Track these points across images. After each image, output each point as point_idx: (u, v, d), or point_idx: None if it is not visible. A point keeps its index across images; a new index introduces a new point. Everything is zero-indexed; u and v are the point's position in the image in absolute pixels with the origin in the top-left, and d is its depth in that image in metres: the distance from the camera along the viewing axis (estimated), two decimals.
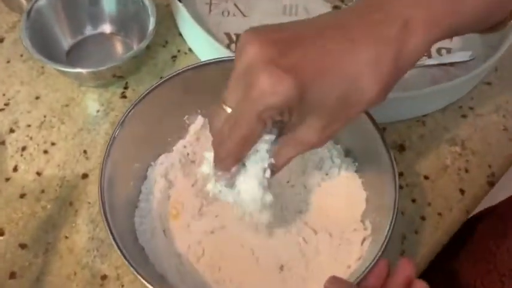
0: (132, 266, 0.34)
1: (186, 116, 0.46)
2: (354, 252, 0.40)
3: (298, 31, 0.30)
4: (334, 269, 0.39)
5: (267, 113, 0.29)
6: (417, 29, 0.30)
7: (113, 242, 0.35)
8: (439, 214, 0.47)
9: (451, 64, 0.57)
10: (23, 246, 0.43)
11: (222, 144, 0.31)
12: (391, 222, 0.36)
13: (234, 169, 0.33)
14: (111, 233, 0.35)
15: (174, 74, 0.43)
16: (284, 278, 0.40)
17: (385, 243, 0.35)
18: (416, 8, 0.30)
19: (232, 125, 0.30)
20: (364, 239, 0.40)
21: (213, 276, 0.40)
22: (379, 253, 0.35)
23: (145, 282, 0.33)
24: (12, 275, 0.41)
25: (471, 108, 0.55)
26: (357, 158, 0.45)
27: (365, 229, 0.41)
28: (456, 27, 0.31)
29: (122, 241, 0.36)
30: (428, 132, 0.53)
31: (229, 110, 0.31)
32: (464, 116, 0.54)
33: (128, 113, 0.41)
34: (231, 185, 0.34)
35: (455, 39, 0.59)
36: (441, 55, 0.58)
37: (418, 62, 0.54)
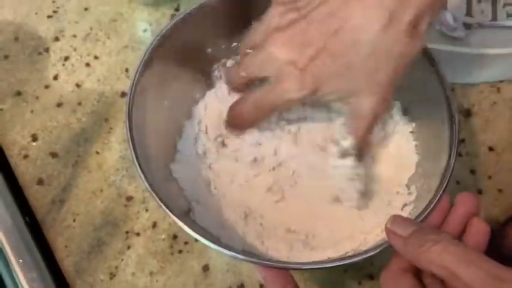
0: (150, 187, 0.31)
1: (234, 44, 0.42)
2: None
3: (312, 18, 0.32)
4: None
5: (286, 104, 0.35)
6: None
7: (134, 160, 0.32)
8: (500, 190, 0.42)
9: None
10: (53, 155, 0.42)
11: (239, 116, 0.37)
12: (438, 188, 0.32)
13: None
14: (134, 151, 0.33)
15: None
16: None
17: (429, 210, 0.31)
18: None
19: (255, 104, 0.35)
20: (405, 204, 0.36)
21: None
22: (421, 217, 0.31)
23: (164, 208, 0.31)
24: (40, 181, 0.41)
25: None
26: (415, 119, 0.40)
27: (409, 194, 0.37)
28: None
29: (147, 164, 0.33)
30: (502, 100, 0.47)
31: (243, 74, 0.36)
32: None
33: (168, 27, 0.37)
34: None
35: None
36: None
37: (504, 22, 0.49)
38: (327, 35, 0.31)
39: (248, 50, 0.36)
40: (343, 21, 0.31)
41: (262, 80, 0.36)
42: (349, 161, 0.35)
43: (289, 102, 0.34)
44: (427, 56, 0.37)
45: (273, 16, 0.34)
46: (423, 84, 0.38)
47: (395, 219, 0.30)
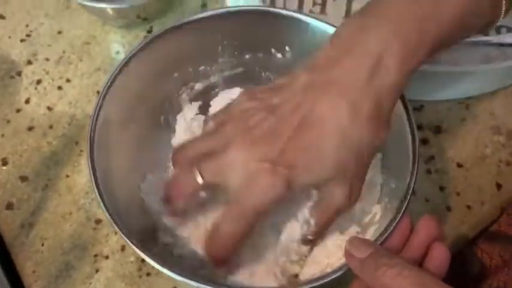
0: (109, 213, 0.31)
1: (202, 67, 0.43)
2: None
3: (277, 112, 0.31)
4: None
5: (266, 207, 0.30)
6: (390, 67, 0.30)
7: (94, 187, 0.32)
8: (468, 207, 0.43)
9: (510, 45, 0.51)
10: (23, 178, 0.42)
11: (219, 242, 0.32)
12: (398, 209, 0.32)
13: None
14: (95, 178, 0.33)
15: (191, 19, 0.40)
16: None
17: (388, 232, 0.31)
18: (391, 42, 0.30)
19: (230, 221, 0.31)
20: (369, 224, 0.36)
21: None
22: (381, 239, 0.31)
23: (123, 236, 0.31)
24: (9, 205, 0.41)
25: None
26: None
27: (374, 214, 0.37)
28: (437, 46, 0.31)
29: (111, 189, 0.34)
30: (470, 117, 0.47)
31: (201, 181, 0.31)
32: None
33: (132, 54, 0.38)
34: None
35: None
36: (500, 33, 0.52)
37: (474, 38, 0.50)
38: (295, 126, 0.30)
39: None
40: (309, 113, 0.30)
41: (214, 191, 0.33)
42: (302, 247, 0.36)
43: (268, 204, 0.30)
44: None
45: (238, 113, 0.33)
46: None
47: (353, 241, 0.30)
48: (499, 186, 0.43)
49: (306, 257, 0.36)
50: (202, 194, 0.33)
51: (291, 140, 0.30)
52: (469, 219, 0.42)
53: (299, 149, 0.30)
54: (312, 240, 0.35)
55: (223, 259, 0.32)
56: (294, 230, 0.36)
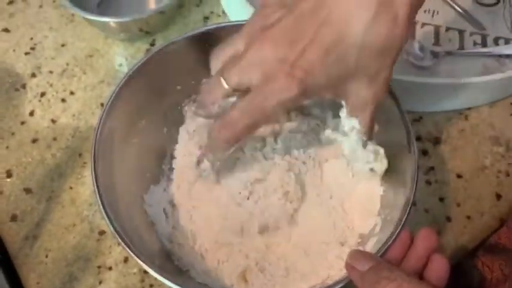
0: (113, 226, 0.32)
1: (204, 80, 0.43)
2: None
3: (299, 11, 0.30)
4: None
5: (281, 107, 0.31)
6: None
7: (98, 198, 0.33)
8: (468, 217, 0.43)
9: (508, 56, 0.51)
10: (27, 191, 0.43)
11: (230, 126, 0.32)
12: (398, 222, 0.33)
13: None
14: (98, 189, 0.33)
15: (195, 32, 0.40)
16: None
17: (388, 244, 0.32)
18: None
19: (245, 111, 0.31)
20: (370, 236, 0.37)
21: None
22: (381, 251, 0.32)
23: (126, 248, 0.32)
24: (14, 218, 0.41)
25: None
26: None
27: (374, 225, 0.37)
28: None
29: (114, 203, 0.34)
30: (469, 128, 0.48)
31: (226, 87, 0.32)
32: None
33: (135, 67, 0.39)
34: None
35: None
36: (498, 45, 0.52)
37: (471, 50, 0.50)
38: (316, 27, 0.29)
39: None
40: (331, 12, 0.29)
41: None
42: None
43: (281, 105, 0.31)
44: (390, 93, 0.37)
45: (258, 16, 0.32)
46: (387, 120, 0.38)
47: (354, 254, 0.31)
48: (498, 196, 0.44)
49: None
50: (232, 99, 0.33)
51: (311, 42, 0.30)
52: (469, 230, 0.42)
53: (318, 52, 0.30)
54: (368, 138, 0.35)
55: (225, 145, 0.33)
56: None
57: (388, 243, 0.32)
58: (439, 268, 0.31)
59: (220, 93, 0.32)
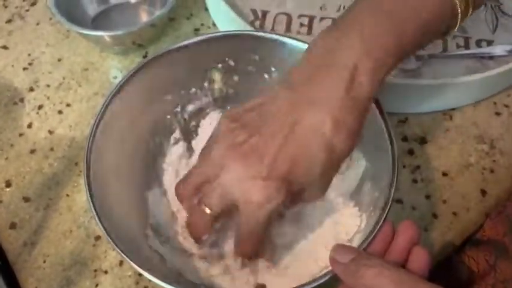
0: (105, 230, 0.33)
1: (193, 89, 0.45)
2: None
3: (265, 129, 0.33)
4: None
5: (270, 218, 0.33)
6: (363, 77, 0.32)
7: (91, 206, 0.34)
8: (454, 213, 0.44)
9: (491, 57, 0.53)
10: (26, 199, 0.44)
11: (242, 252, 0.36)
12: (380, 216, 0.34)
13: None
14: (92, 200, 0.35)
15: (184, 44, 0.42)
16: None
17: (371, 238, 0.33)
18: (360, 56, 0.32)
19: (247, 240, 0.34)
20: (356, 233, 0.38)
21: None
22: (364, 245, 0.33)
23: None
24: (13, 225, 0.43)
25: (506, 106, 0.50)
26: (367, 154, 0.42)
27: (360, 222, 0.39)
28: (404, 52, 0.34)
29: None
30: (454, 127, 0.49)
31: (208, 211, 0.34)
32: (497, 114, 0.50)
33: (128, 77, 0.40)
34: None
35: (499, 31, 0.55)
36: (481, 47, 0.54)
37: (454, 52, 0.52)
38: (281, 142, 0.32)
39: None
40: (294, 129, 0.32)
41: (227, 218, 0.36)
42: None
43: (269, 215, 0.33)
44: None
45: (223, 138, 0.34)
46: (369, 120, 0.39)
47: (337, 248, 0.32)
48: (483, 192, 0.45)
49: None
50: (217, 225, 0.37)
51: (280, 154, 0.32)
52: (456, 226, 0.43)
53: (288, 162, 0.32)
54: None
55: (252, 257, 0.37)
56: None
57: (370, 238, 0.33)
58: (420, 260, 0.32)
59: (205, 222, 0.35)
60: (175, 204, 0.41)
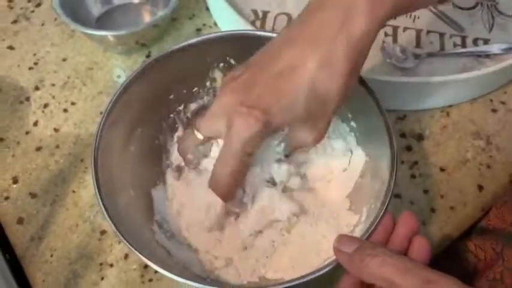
0: (110, 219, 0.34)
1: (195, 89, 0.46)
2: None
3: (257, 66, 0.35)
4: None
5: (248, 146, 0.34)
6: (359, 15, 0.32)
7: (97, 196, 0.35)
8: (452, 208, 0.45)
9: (487, 56, 0.54)
10: (33, 195, 0.45)
11: (219, 182, 0.37)
12: (380, 209, 0.35)
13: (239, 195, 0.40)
14: (98, 189, 0.36)
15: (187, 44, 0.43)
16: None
17: (372, 229, 0.34)
18: None
19: (223, 163, 0.36)
20: (356, 225, 0.39)
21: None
22: (366, 235, 0.34)
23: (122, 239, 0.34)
24: (20, 221, 0.44)
25: (503, 103, 0.51)
26: (367, 148, 0.43)
27: (360, 215, 0.40)
28: (400, 4, 0.33)
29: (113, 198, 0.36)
30: (451, 124, 0.50)
31: (200, 137, 0.38)
32: (494, 111, 0.51)
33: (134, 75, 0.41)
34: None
35: (495, 30, 0.56)
36: (477, 45, 0.55)
37: (451, 50, 0.53)
38: (269, 77, 0.34)
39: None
40: (284, 64, 0.33)
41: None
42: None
43: (249, 142, 0.34)
44: (371, 94, 0.40)
45: (227, 76, 0.37)
46: (369, 117, 0.41)
47: (341, 238, 0.33)
48: (480, 187, 0.46)
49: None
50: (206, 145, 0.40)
51: (267, 88, 0.33)
52: (453, 220, 0.44)
53: (273, 96, 0.33)
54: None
55: (227, 195, 0.38)
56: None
57: (371, 228, 0.34)
58: (421, 248, 0.32)
59: (194, 143, 0.39)
60: (178, 202, 0.42)
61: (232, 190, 0.38)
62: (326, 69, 0.32)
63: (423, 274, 0.27)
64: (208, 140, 0.39)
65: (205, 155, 0.42)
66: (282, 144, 0.41)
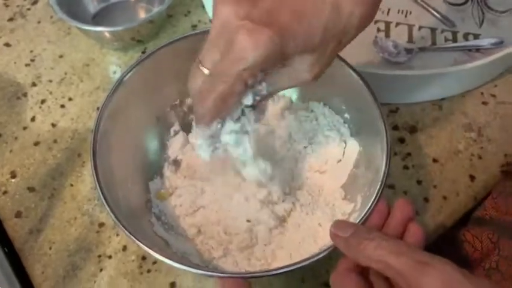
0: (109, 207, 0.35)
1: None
2: None
3: None
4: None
5: (248, 71, 0.28)
6: None
7: (97, 185, 0.36)
8: (444, 197, 0.46)
9: (477, 50, 0.55)
10: (31, 189, 0.45)
11: (202, 102, 0.31)
12: (375, 196, 0.35)
13: (214, 126, 0.33)
14: (97, 179, 0.36)
15: (183, 36, 0.44)
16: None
17: (367, 215, 0.35)
18: None
19: (212, 83, 0.29)
20: (351, 212, 0.40)
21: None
22: (361, 221, 0.35)
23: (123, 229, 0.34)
24: (18, 214, 0.44)
25: (493, 96, 0.52)
26: (361, 139, 0.44)
27: (355, 203, 0.40)
28: None
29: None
30: (443, 116, 0.51)
31: (206, 71, 0.30)
32: (484, 103, 0.52)
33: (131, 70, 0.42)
34: (213, 142, 0.35)
35: (485, 25, 0.57)
36: (468, 40, 0.56)
37: (443, 45, 0.54)
38: None
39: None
40: None
41: None
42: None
43: (253, 66, 0.28)
44: (365, 86, 0.40)
45: None
46: (363, 109, 0.41)
47: (338, 223, 0.33)
48: (472, 177, 0.47)
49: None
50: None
51: (284, 6, 0.28)
52: (446, 209, 0.45)
53: (289, 13, 0.28)
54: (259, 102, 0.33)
55: (208, 117, 0.31)
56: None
57: (367, 214, 0.35)
58: (415, 235, 0.33)
59: (201, 79, 0.31)
60: (175, 195, 0.43)
61: (211, 117, 0.31)
62: None
63: (417, 256, 0.28)
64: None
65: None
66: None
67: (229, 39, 0.28)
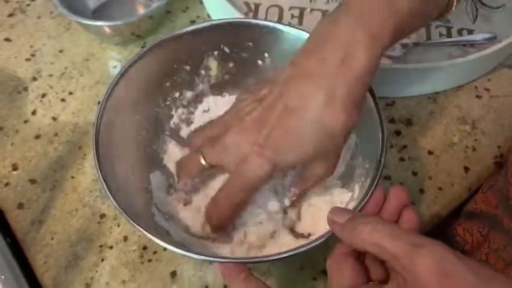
0: (110, 193, 0.35)
1: (190, 76, 0.47)
2: None
3: (267, 102, 0.37)
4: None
5: (257, 183, 0.37)
6: (358, 50, 0.33)
7: (99, 174, 0.36)
8: (440, 188, 0.47)
9: (471, 45, 0.56)
10: (32, 181, 0.46)
11: (219, 212, 0.38)
12: (371, 184, 0.36)
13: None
14: (99, 168, 0.37)
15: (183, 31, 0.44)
16: None
17: (364, 202, 0.35)
18: (355, 31, 0.34)
19: (228, 194, 0.38)
20: (349, 201, 0.40)
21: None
22: (358, 208, 0.35)
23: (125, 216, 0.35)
24: (20, 206, 0.44)
25: (487, 90, 0.53)
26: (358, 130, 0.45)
27: (353, 192, 0.41)
28: (399, 31, 0.35)
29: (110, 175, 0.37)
30: (438, 109, 0.52)
31: (203, 163, 0.39)
32: (478, 97, 0.53)
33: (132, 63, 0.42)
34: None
35: (479, 21, 0.58)
36: (462, 35, 0.57)
37: (437, 40, 0.55)
38: (278, 115, 0.36)
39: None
40: (290, 102, 0.35)
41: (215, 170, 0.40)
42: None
43: (258, 180, 0.36)
44: None
45: (235, 109, 0.40)
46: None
47: (335, 209, 0.34)
48: (466, 169, 0.48)
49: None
50: (205, 173, 0.41)
51: (275, 127, 0.35)
52: (441, 200, 0.46)
53: (282, 134, 0.35)
54: (293, 203, 0.42)
55: (220, 227, 0.39)
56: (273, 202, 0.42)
57: (363, 202, 0.36)
58: (410, 220, 0.34)
59: (196, 168, 0.40)
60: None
61: (228, 222, 0.39)
62: (330, 103, 0.34)
63: (412, 239, 0.28)
64: (209, 168, 0.39)
65: (197, 189, 0.42)
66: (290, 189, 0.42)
67: (242, 158, 0.36)
